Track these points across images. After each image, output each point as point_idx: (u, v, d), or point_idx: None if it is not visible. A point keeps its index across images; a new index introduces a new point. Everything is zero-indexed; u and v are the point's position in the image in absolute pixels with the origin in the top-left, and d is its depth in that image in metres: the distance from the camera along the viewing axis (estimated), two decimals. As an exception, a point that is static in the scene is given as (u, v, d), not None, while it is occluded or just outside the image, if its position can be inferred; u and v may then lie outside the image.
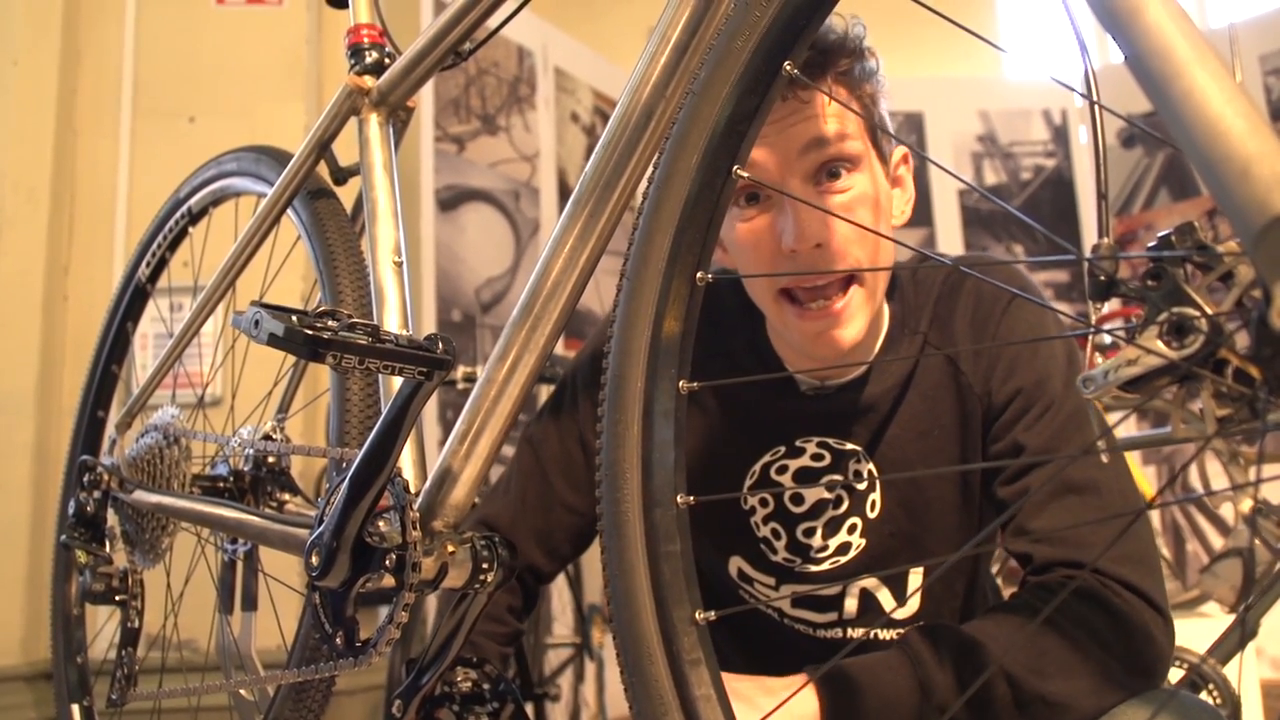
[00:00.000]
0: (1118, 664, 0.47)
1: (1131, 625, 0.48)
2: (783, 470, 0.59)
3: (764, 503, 0.60)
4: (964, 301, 0.58)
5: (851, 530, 0.59)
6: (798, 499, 0.59)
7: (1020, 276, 0.60)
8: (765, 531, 0.60)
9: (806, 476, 0.59)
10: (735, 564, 0.62)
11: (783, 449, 0.59)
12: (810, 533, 0.59)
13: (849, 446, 0.58)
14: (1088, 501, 0.51)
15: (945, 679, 0.47)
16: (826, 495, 0.59)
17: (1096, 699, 0.47)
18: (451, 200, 1.91)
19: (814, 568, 0.59)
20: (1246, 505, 0.27)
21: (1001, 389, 0.55)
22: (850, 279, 0.54)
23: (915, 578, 0.60)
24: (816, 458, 0.59)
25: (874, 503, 0.58)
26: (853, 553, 0.59)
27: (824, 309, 0.54)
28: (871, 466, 0.58)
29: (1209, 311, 0.29)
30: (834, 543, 0.59)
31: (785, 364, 0.60)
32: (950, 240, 2.47)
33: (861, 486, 0.58)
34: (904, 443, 0.58)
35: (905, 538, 0.58)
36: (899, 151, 0.59)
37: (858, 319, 0.54)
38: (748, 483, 0.60)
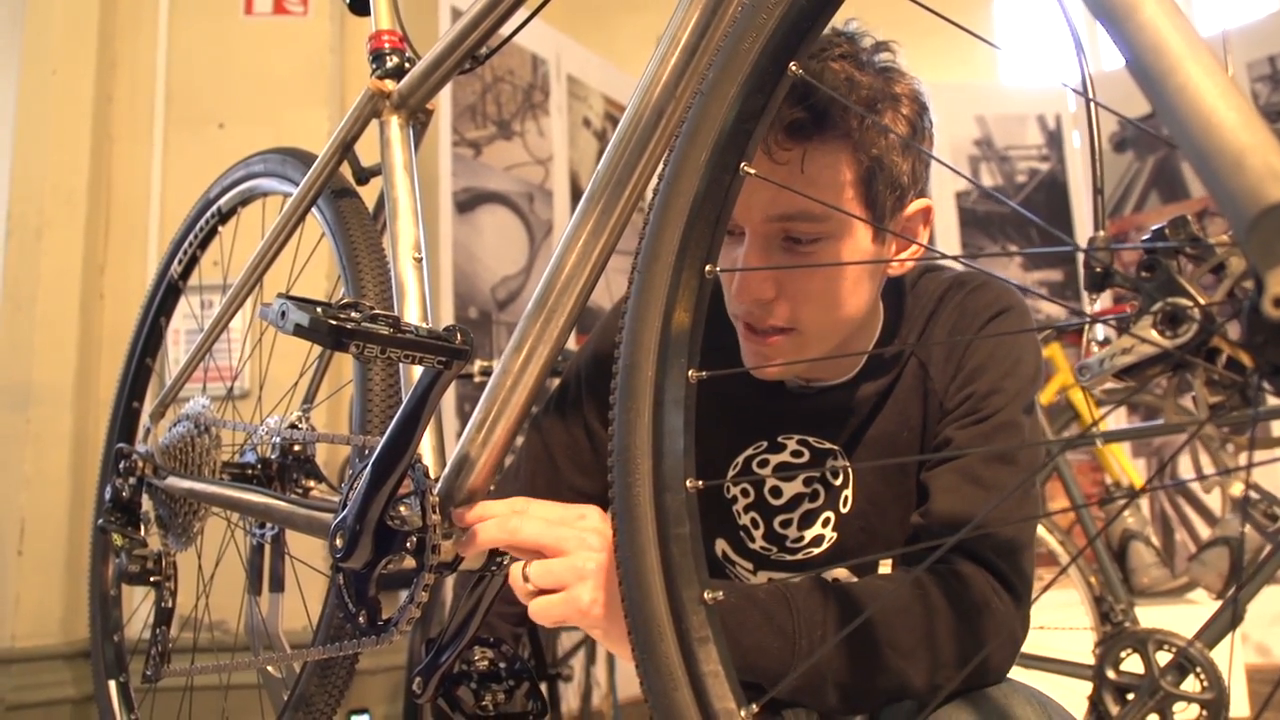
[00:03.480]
0: (965, 647, 0.48)
1: (987, 614, 0.49)
2: (764, 464, 0.61)
3: (745, 493, 0.61)
4: (947, 315, 0.59)
5: (825, 524, 0.60)
6: (776, 492, 0.61)
7: (1011, 295, 0.60)
8: (745, 520, 0.62)
9: (786, 471, 0.61)
10: (720, 546, 0.64)
11: (765, 443, 0.61)
12: (786, 524, 0.61)
13: (827, 445, 0.60)
14: (989, 498, 0.52)
15: (817, 633, 0.46)
16: (803, 489, 0.60)
17: (933, 675, 0.47)
18: (468, 202, 1.95)
19: (789, 557, 0.61)
20: (1238, 489, 0.27)
21: (956, 394, 0.57)
22: (785, 329, 0.55)
23: (884, 569, 0.61)
24: (796, 454, 0.60)
25: (846, 498, 0.60)
26: (825, 545, 0.61)
27: (763, 338, 0.55)
28: (847, 465, 0.60)
29: (1202, 301, 0.29)
30: (809, 534, 0.60)
31: None
32: (948, 240, 2.49)
33: (836, 483, 0.60)
34: (875, 443, 0.59)
35: (873, 533, 0.60)
36: (917, 204, 0.56)
37: (794, 359, 0.56)
38: (731, 473, 0.61)
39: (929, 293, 0.60)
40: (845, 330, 0.57)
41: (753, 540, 0.62)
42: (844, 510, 0.60)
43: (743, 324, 0.57)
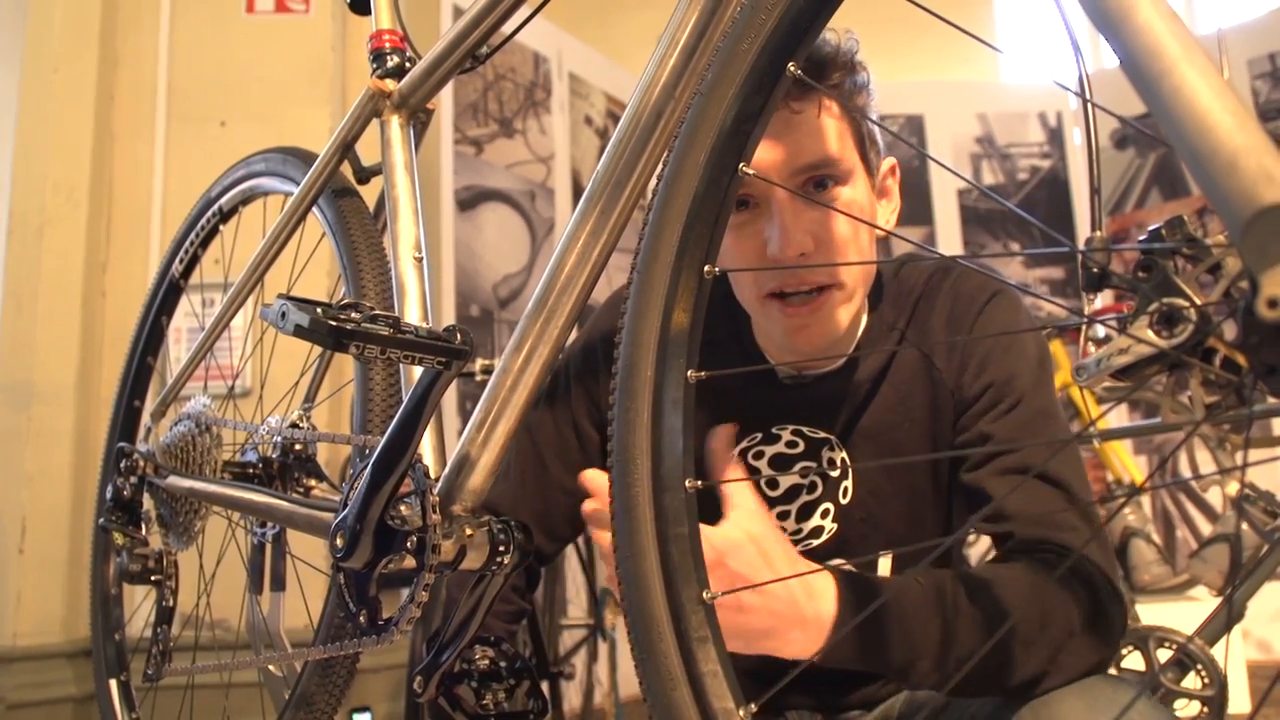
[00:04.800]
0: (1092, 635, 0.49)
1: (1102, 603, 0.50)
2: (759, 456, 0.61)
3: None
4: (942, 300, 0.59)
5: (824, 515, 0.60)
6: (772, 483, 0.61)
7: (997, 279, 0.62)
8: None
9: (781, 462, 0.61)
10: None
11: (759, 435, 0.61)
12: (784, 516, 0.61)
13: (822, 434, 0.60)
14: (1061, 495, 0.53)
15: (965, 622, 0.46)
16: (800, 481, 0.60)
17: (1073, 659, 0.47)
18: (470, 200, 1.95)
19: None
20: (1234, 488, 0.28)
21: (973, 384, 0.57)
22: (828, 284, 0.56)
23: (884, 562, 0.61)
24: (791, 444, 0.61)
25: (846, 489, 0.60)
26: (825, 536, 0.61)
27: (805, 303, 0.56)
28: (844, 454, 0.60)
29: (1198, 302, 0.30)
30: (807, 526, 0.60)
31: (766, 356, 0.62)
32: (949, 238, 2.51)
33: (835, 474, 0.60)
34: (876, 433, 0.59)
35: (875, 524, 0.60)
36: (887, 163, 0.61)
37: (836, 319, 0.57)
38: None
39: (913, 279, 0.61)
40: (867, 283, 0.58)
41: None
42: (844, 501, 0.60)
43: (776, 302, 0.56)
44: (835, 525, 0.60)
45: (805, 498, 0.60)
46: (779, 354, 0.61)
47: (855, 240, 0.56)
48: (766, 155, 0.54)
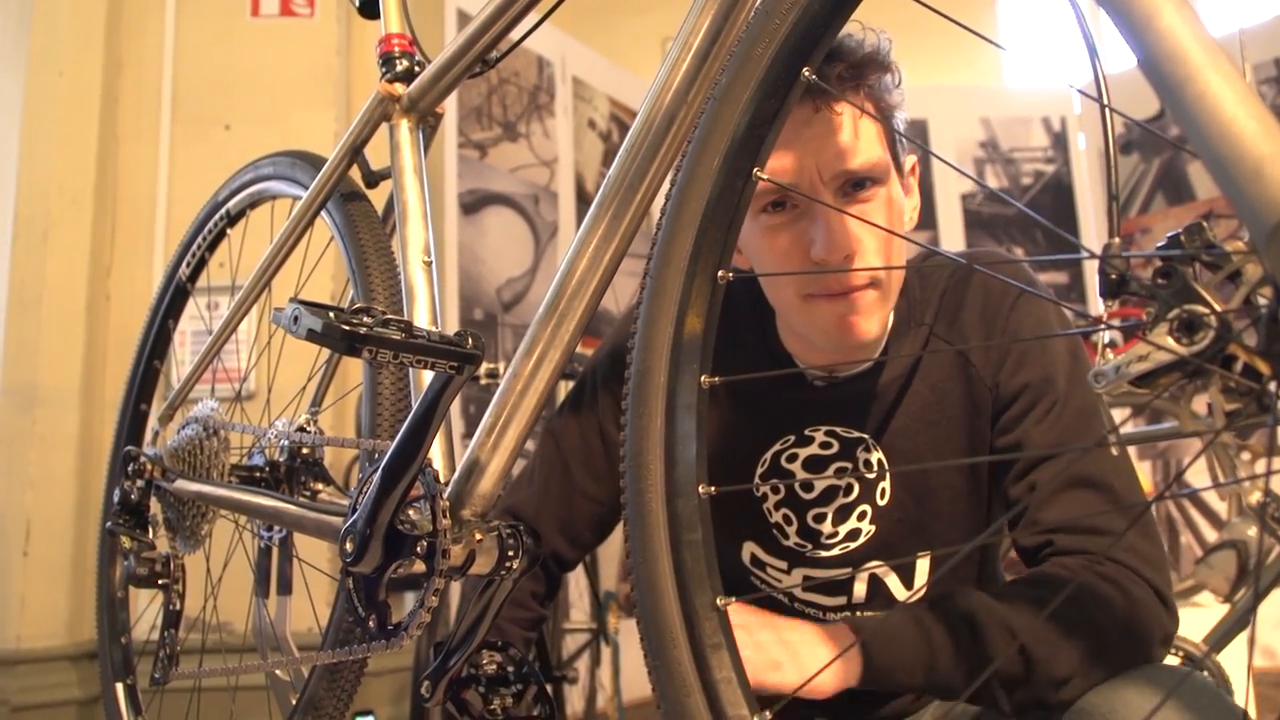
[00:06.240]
0: (1128, 649, 0.49)
1: (1143, 614, 0.49)
2: (793, 458, 0.61)
3: (775, 489, 0.61)
4: (973, 296, 0.59)
5: (861, 517, 0.60)
6: (808, 485, 0.60)
7: (1026, 274, 0.61)
8: (777, 517, 0.61)
9: (815, 464, 0.60)
10: (749, 550, 0.63)
11: (792, 437, 0.61)
12: (820, 519, 0.60)
13: (856, 434, 0.60)
14: (1102, 497, 0.53)
15: (952, 655, 0.48)
16: (836, 482, 0.60)
17: (1104, 665, 0.48)
18: (474, 204, 1.95)
19: (824, 553, 0.61)
20: (1255, 497, 0.27)
21: (1009, 382, 0.56)
22: (870, 287, 0.56)
23: (923, 564, 0.60)
24: (825, 445, 0.60)
25: (883, 490, 0.60)
26: (862, 539, 0.60)
27: (850, 298, 0.56)
28: (880, 455, 0.59)
29: (1218, 309, 0.29)
30: (844, 529, 0.60)
31: (795, 358, 0.62)
32: (953, 241, 2.51)
33: (871, 476, 0.59)
34: (912, 432, 0.59)
35: (914, 525, 0.59)
36: (909, 160, 0.61)
37: (875, 315, 0.56)
38: (759, 470, 0.61)
39: (937, 274, 0.61)
40: (900, 283, 0.58)
41: (786, 537, 0.61)
42: (881, 503, 0.59)
43: (819, 297, 0.56)
44: (874, 527, 0.60)
45: (842, 500, 0.60)
46: (817, 353, 0.61)
47: (893, 237, 0.56)
48: (808, 160, 0.54)
